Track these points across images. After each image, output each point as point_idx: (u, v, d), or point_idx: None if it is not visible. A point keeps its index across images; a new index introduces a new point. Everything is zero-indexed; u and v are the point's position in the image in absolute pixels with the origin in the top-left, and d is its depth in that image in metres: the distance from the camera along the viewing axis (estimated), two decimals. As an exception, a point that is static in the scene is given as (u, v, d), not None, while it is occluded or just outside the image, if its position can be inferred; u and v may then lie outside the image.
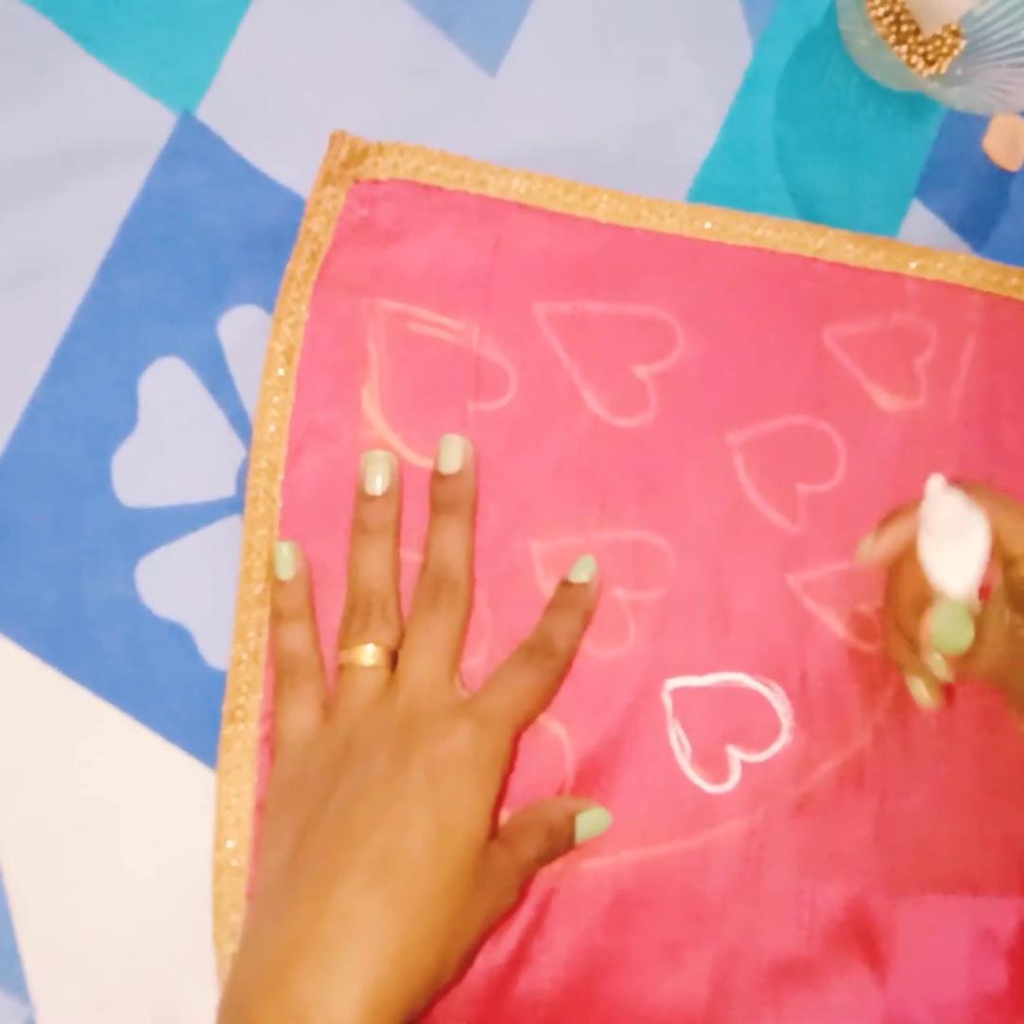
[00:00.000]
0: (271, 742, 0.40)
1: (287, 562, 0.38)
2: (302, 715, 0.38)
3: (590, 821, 0.40)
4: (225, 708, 0.40)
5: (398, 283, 0.42)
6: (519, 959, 0.40)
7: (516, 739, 0.39)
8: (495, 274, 0.43)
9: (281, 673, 0.39)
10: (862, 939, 0.42)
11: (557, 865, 0.40)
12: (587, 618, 0.41)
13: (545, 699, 0.40)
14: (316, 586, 0.41)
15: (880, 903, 0.42)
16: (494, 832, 0.37)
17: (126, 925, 0.39)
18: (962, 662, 0.36)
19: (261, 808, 0.39)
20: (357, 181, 0.42)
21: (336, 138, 0.42)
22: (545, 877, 0.40)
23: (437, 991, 0.36)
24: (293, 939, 0.33)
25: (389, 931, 0.33)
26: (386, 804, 0.35)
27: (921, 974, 0.42)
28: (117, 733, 0.40)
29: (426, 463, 0.42)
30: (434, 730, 0.36)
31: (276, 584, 0.39)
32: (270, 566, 0.40)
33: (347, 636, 0.39)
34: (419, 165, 0.42)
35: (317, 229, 0.41)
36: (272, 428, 0.41)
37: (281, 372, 0.41)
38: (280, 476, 0.41)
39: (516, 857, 0.38)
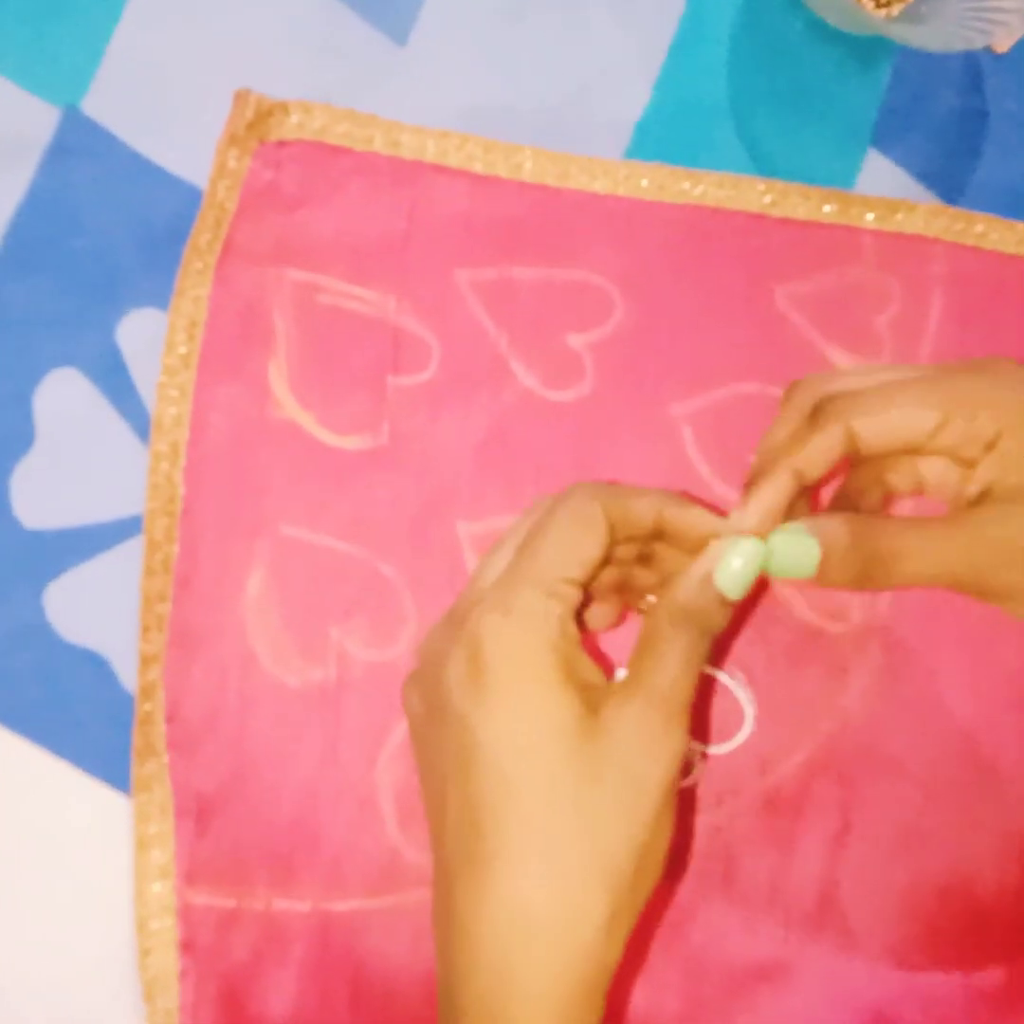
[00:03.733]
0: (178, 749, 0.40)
1: None
2: None
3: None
4: (135, 714, 0.40)
5: (305, 252, 0.42)
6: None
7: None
8: (411, 240, 0.43)
9: None
10: (843, 936, 0.42)
11: None
12: None
13: None
14: (218, 579, 0.41)
15: (861, 898, 0.42)
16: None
17: (45, 972, 0.39)
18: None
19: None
20: (262, 142, 0.42)
21: (241, 97, 0.42)
22: None
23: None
24: None
25: None
26: None
27: (905, 973, 0.42)
28: (32, 768, 0.40)
29: (342, 443, 0.42)
30: None
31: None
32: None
33: None
34: (325, 124, 0.43)
35: (222, 195, 0.42)
36: (173, 410, 0.41)
37: (182, 350, 0.41)
38: (182, 461, 0.41)
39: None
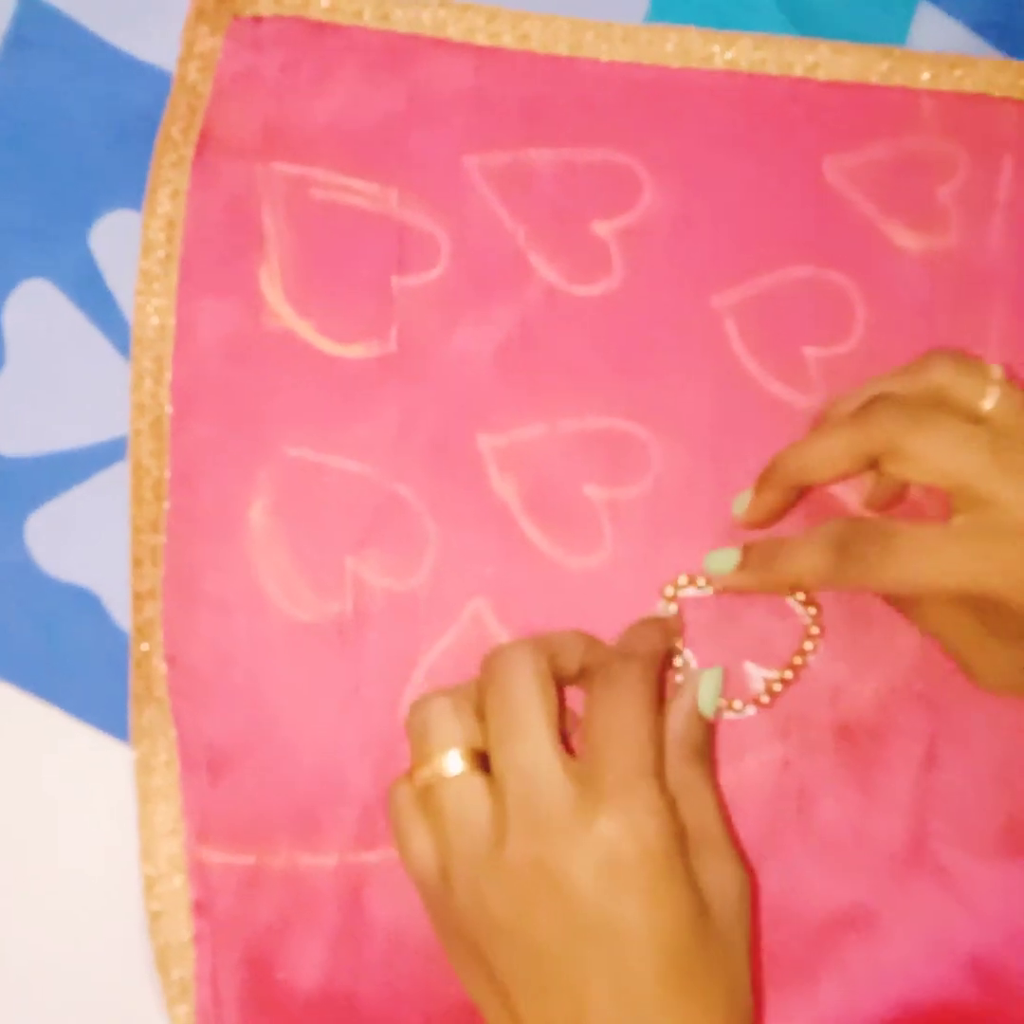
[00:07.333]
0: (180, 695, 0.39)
1: None
2: None
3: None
4: (131, 657, 0.39)
5: (295, 142, 0.41)
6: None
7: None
8: (413, 125, 0.42)
9: None
10: (937, 879, 0.41)
11: None
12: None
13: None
14: (218, 508, 0.40)
15: (955, 836, 0.41)
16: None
17: (48, 941, 0.39)
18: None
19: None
20: (236, 18, 0.41)
21: None
22: None
23: None
24: None
25: None
26: None
27: (1008, 917, 0.40)
28: (22, 717, 0.39)
29: (346, 352, 0.41)
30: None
31: None
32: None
33: None
34: (307, -2, 0.42)
35: (193, 77, 0.41)
36: (155, 320, 0.40)
37: (160, 253, 0.40)
38: (168, 376, 0.40)
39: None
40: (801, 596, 0.40)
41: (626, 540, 0.41)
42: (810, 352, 0.43)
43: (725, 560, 0.39)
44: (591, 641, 0.38)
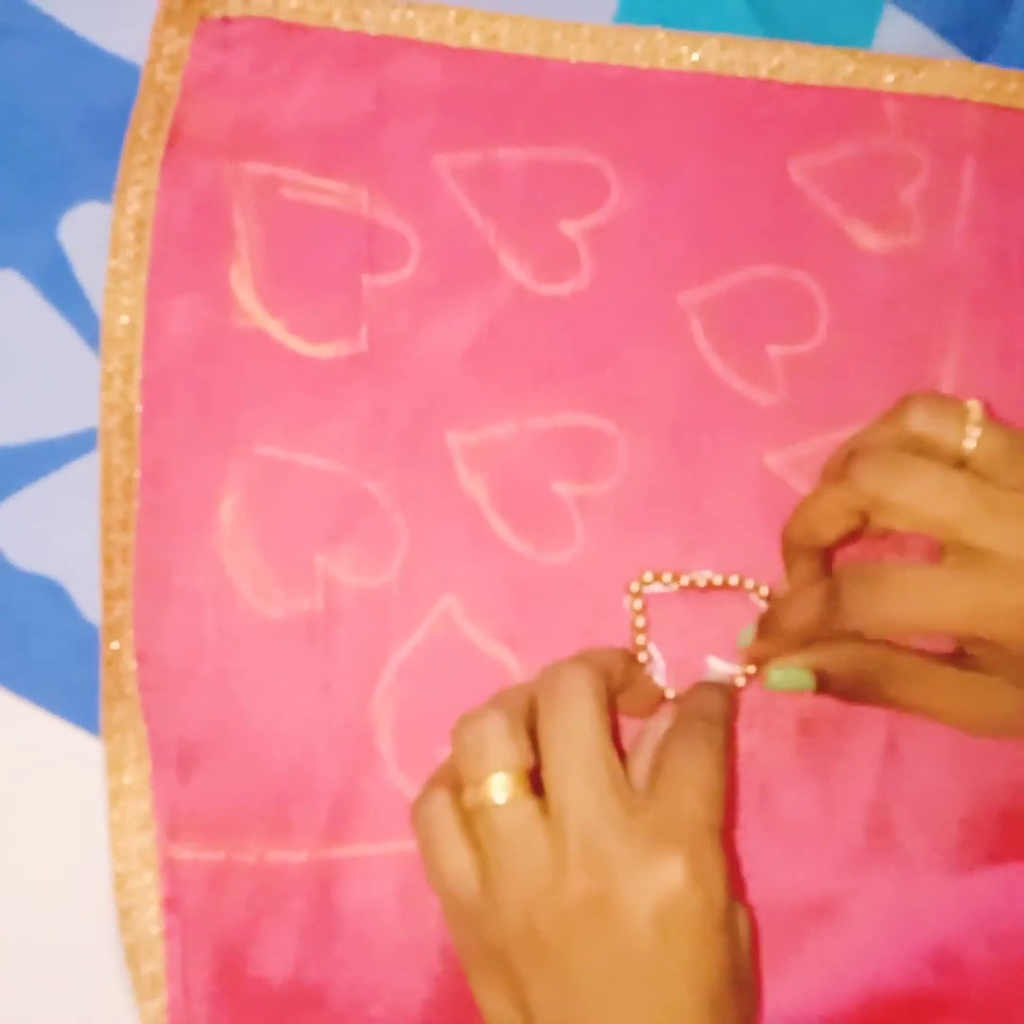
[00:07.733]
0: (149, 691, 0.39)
1: None
2: None
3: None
4: (101, 655, 0.39)
5: (265, 142, 0.41)
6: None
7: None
8: (383, 124, 0.42)
9: None
10: (899, 866, 0.41)
11: None
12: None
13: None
14: (188, 507, 0.40)
15: (916, 823, 0.41)
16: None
17: (19, 936, 0.39)
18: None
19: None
20: (204, 19, 0.41)
21: None
22: None
23: None
24: None
25: None
26: None
27: (970, 906, 0.41)
28: None
29: (316, 352, 0.41)
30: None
31: None
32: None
33: None
34: (275, -1, 0.42)
35: (162, 77, 0.41)
36: (124, 319, 0.40)
37: (130, 252, 0.40)
38: (138, 375, 0.40)
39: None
40: (764, 590, 0.41)
41: (596, 536, 0.41)
42: (774, 350, 0.43)
43: (747, 634, 0.40)
44: (631, 659, 0.38)
